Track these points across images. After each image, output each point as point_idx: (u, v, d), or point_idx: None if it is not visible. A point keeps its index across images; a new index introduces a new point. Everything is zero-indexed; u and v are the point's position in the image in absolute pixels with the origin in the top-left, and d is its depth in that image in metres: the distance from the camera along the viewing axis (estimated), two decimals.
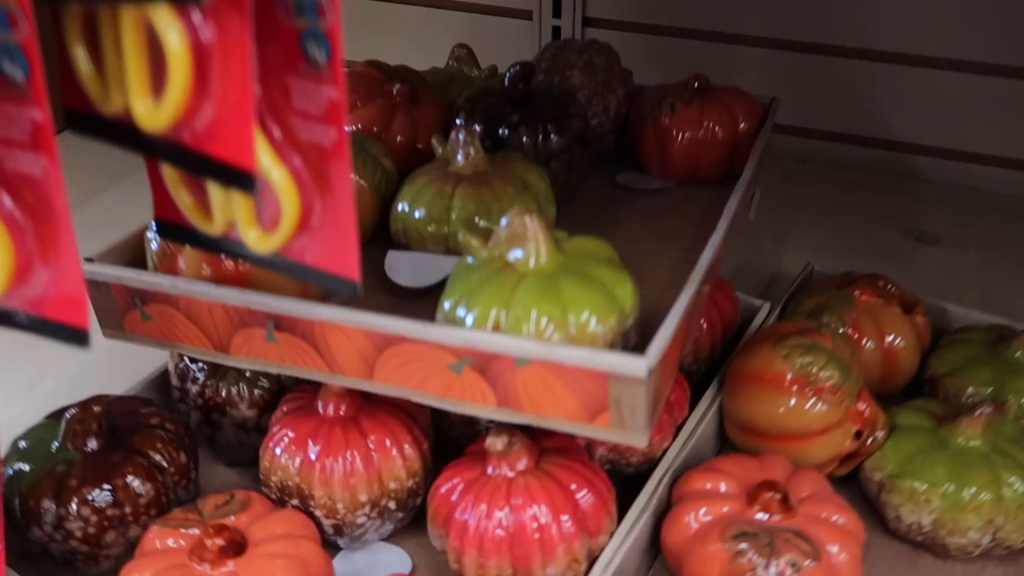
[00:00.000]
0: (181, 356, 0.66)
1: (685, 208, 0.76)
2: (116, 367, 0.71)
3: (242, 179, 0.34)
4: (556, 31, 1.19)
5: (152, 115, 0.34)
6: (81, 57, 0.35)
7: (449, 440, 0.65)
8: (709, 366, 0.73)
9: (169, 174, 0.41)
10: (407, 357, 0.51)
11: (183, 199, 0.41)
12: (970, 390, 0.68)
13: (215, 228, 0.42)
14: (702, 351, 0.72)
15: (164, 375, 0.70)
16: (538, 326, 0.49)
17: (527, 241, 0.52)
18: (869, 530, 0.60)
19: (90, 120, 0.37)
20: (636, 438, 0.48)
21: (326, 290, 0.41)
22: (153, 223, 0.44)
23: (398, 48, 1.00)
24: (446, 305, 0.53)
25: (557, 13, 1.18)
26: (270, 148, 0.37)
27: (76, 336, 0.36)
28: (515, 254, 0.52)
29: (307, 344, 0.54)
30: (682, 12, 1.12)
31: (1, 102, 0.32)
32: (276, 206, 0.39)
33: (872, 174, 1.10)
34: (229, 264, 0.56)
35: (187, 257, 0.57)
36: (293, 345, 0.54)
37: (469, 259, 0.55)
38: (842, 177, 1.10)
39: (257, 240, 0.40)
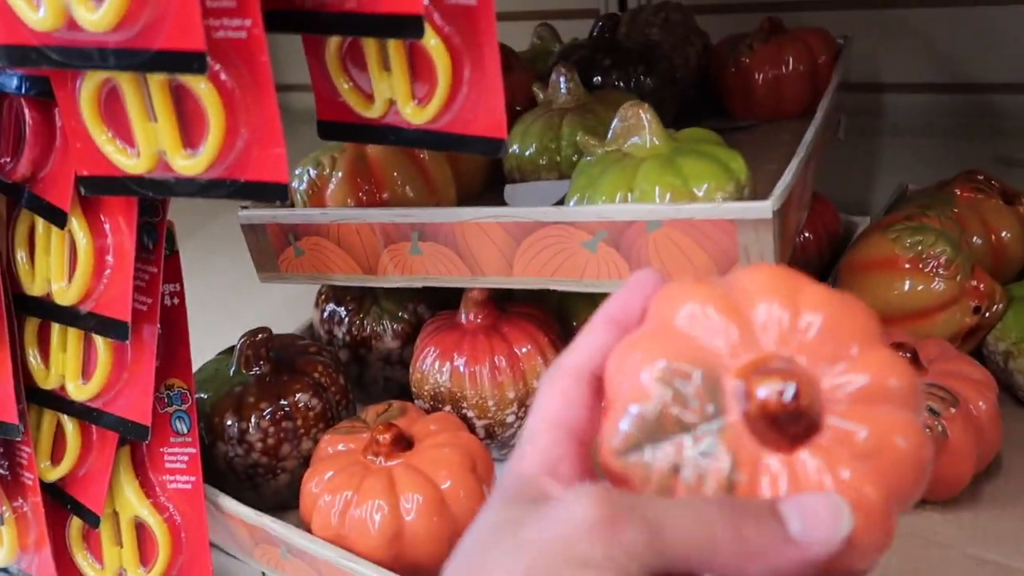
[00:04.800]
0: (326, 300, 0.72)
1: (774, 137, 0.79)
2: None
3: (412, 25, 0.39)
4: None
5: None
6: None
7: None
8: (816, 276, 0.76)
9: (331, 62, 0.47)
10: (544, 244, 0.56)
11: (343, 86, 0.47)
12: None
13: (375, 110, 0.47)
14: (810, 260, 0.75)
15: (309, 329, 0.76)
16: (663, 201, 0.54)
17: (641, 128, 0.57)
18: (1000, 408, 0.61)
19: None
20: None
21: (476, 153, 0.46)
22: (317, 124, 0.50)
23: None
24: (572, 202, 0.57)
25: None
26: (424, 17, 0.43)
27: (278, 192, 0.42)
28: (632, 141, 0.57)
29: (449, 249, 0.59)
30: None
31: None
32: (432, 76, 0.44)
33: (951, 116, 1.12)
34: (370, 190, 0.62)
35: (333, 191, 0.63)
36: (436, 253, 0.60)
37: (587, 158, 0.59)
38: (921, 121, 1.12)
39: (414, 113, 0.46)
